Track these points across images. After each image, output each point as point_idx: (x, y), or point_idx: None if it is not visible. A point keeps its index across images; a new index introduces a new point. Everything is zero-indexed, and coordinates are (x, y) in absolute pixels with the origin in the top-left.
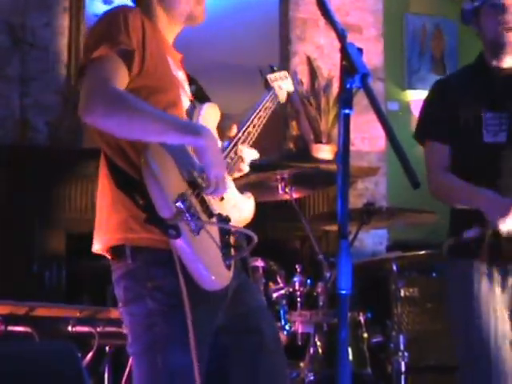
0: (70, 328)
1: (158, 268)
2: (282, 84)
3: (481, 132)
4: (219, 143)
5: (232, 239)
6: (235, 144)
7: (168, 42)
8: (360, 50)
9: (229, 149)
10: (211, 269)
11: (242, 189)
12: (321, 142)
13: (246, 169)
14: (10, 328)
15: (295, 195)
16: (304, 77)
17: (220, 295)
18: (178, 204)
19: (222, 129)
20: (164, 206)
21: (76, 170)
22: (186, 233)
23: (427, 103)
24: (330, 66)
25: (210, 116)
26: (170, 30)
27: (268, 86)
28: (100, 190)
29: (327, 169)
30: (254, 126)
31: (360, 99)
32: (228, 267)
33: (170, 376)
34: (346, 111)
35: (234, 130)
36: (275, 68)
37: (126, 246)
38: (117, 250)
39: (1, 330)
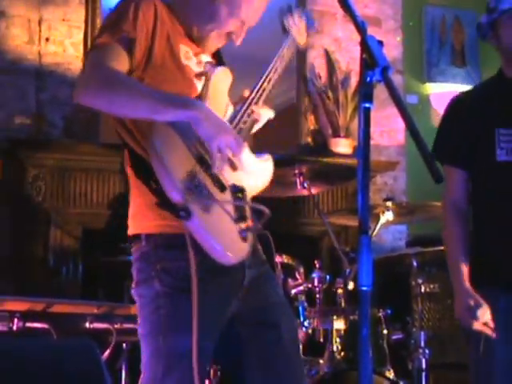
0: (87, 324)
1: (168, 251)
2: (301, 25)
3: (494, 150)
4: (230, 109)
5: (248, 211)
6: (248, 105)
7: (188, 31)
8: (380, 43)
9: (241, 112)
10: (225, 244)
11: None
12: (339, 136)
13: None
14: (28, 324)
15: (314, 190)
16: (322, 70)
17: (235, 283)
18: (187, 184)
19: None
20: (172, 189)
21: (92, 164)
22: (197, 212)
23: (443, 122)
24: (347, 60)
25: (220, 80)
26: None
27: (285, 31)
28: (130, 185)
29: (346, 163)
30: (268, 81)
31: (379, 93)
32: (244, 239)
33: (172, 359)
34: (367, 105)
35: (247, 92)
36: (293, 9)
37: (142, 233)
38: (135, 237)
39: (19, 326)
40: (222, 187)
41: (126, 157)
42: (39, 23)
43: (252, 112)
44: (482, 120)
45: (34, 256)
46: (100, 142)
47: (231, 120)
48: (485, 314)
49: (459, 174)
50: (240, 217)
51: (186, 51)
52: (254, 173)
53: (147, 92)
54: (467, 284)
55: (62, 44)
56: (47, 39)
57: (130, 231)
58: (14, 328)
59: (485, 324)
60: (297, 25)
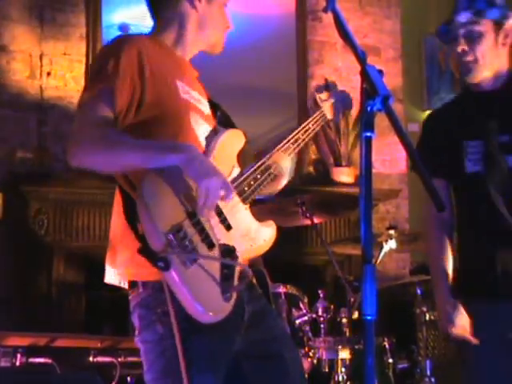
0: (91, 358)
1: (167, 293)
2: (332, 101)
3: (464, 162)
4: (236, 171)
5: (237, 270)
6: (259, 167)
7: (182, 61)
8: (380, 72)
9: (246, 175)
10: (203, 302)
11: (262, 215)
12: (341, 165)
13: (282, 182)
14: (31, 360)
15: (316, 220)
16: None
17: (236, 319)
18: (169, 236)
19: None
20: (154, 238)
21: (95, 197)
22: (177, 265)
23: (420, 138)
24: (348, 89)
25: (230, 142)
26: (193, 46)
27: (316, 105)
28: (112, 220)
29: (348, 193)
30: (284, 150)
31: (379, 121)
32: (227, 299)
33: None
34: (368, 134)
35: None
36: (330, 86)
37: (138, 281)
38: (131, 282)
39: (22, 361)
40: (210, 244)
41: (117, 194)
42: (40, 58)
43: (268, 168)
44: (450, 133)
45: (37, 290)
46: (103, 175)
47: (235, 179)
48: (462, 319)
49: (439, 183)
50: (225, 276)
51: (182, 86)
52: (250, 236)
53: (137, 144)
54: (446, 293)
55: (64, 78)
56: (48, 73)
57: (125, 277)
58: (17, 363)
59: (463, 329)
60: (328, 101)
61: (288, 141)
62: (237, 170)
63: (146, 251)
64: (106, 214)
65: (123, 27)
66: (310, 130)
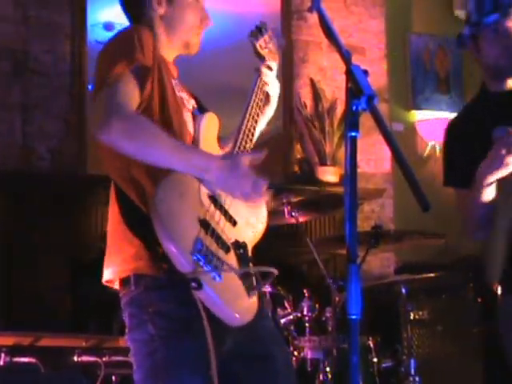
0: (75, 358)
1: (159, 293)
2: (272, 45)
3: None
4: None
5: (252, 266)
6: (239, 148)
7: (167, 62)
8: (365, 72)
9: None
10: (237, 308)
11: None
12: (326, 165)
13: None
14: (16, 359)
15: (301, 219)
16: (307, 99)
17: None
18: (195, 257)
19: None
20: (182, 263)
21: (80, 196)
22: (208, 282)
23: (445, 149)
24: (333, 88)
25: (209, 126)
26: (168, 49)
27: (259, 55)
28: (110, 225)
29: (333, 192)
30: (253, 118)
31: (364, 121)
32: (251, 297)
33: None
34: (353, 134)
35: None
36: (262, 28)
37: (131, 275)
38: (124, 279)
39: (6, 361)
40: (226, 248)
41: (114, 200)
42: (25, 56)
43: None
44: (478, 141)
45: (22, 288)
46: (88, 173)
47: None
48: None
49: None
50: (246, 276)
51: (175, 83)
52: (250, 223)
53: (172, 146)
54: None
55: (48, 76)
56: (33, 71)
57: (121, 274)
58: (1, 363)
59: None
60: (268, 46)
61: (247, 120)
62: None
63: (174, 272)
64: (92, 212)
65: (108, 26)
66: (259, 102)
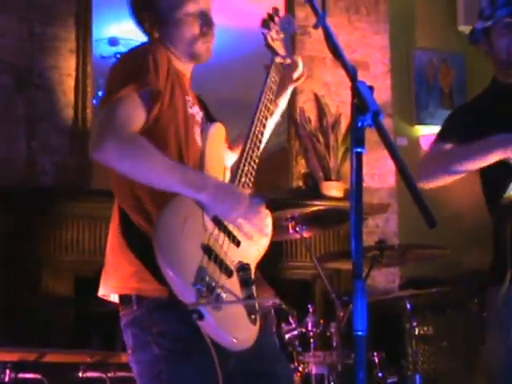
0: (80, 374)
1: (163, 314)
2: (284, 34)
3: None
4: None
5: (254, 290)
6: (247, 154)
7: (184, 76)
8: (371, 88)
9: (242, 164)
10: (239, 335)
11: None
12: (330, 180)
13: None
14: (20, 375)
15: (306, 234)
16: (312, 114)
17: None
18: (197, 287)
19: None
20: (184, 295)
21: (84, 211)
22: (209, 313)
23: (455, 116)
24: (337, 103)
25: (216, 136)
26: (182, 65)
27: (270, 47)
28: (111, 239)
29: (338, 207)
30: (261, 122)
31: (369, 136)
32: (253, 322)
33: None
34: (359, 150)
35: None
36: (274, 16)
37: (133, 295)
38: (124, 298)
39: (11, 377)
40: (229, 273)
41: (116, 218)
42: (30, 71)
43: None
44: (492, 128)
45: (25, 305)
46: (92, 188)
47: (234, 175)
48: None
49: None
50: (248, 297)
51: (188, 100)
52: (256, 240)
53: (168, 166)
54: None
55: (53, 91)
56: (38, 86)
57: (120, 291)
58: (6, 379)
59: None
60: (279, 37)
61: (256, 124)
62: (230, 160)
63: (176, 300)
64: (96, 228)
65: (113, 41)
66: (268, 103)
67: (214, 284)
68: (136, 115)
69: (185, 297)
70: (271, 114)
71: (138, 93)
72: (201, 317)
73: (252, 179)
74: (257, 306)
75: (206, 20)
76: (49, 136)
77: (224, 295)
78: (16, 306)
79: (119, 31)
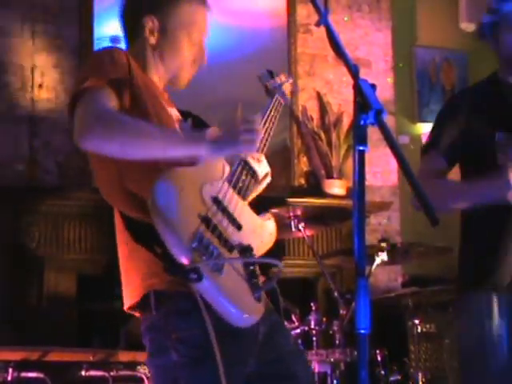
0: (83, 372)
1: (182, 319)
2: (284, 88)
3: (495, 154)
4: (227, 169)
5: (257, 269)
6: (244, 164)
7: (159, 88)
8: (373, 86)
9: (238, 171)
10: (240, 305)
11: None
12: (332, 178)
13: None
14: (23, 374)
15: (308, 232)
16: (314, 112)
17: (250, 340)
18: (195, 245)
19: None
20: (181, 253)
21: (86, 210)
22: (208, 273)
23: (438, 118)
24: (339, 101)
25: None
26: (159, 76)
27: (269, 93)
28: (121, 253)
29: (340, 204)
30: (265, 132)
31: (371, 134)
32: (258, 299)
33: None
34: (361, 148)
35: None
36: (274, 73)
37: (151, 294)
38: (142, 303)
39: (14, 376)
40: (229, 247)
41: (119, 221)
42: (32, 70)
43: (251, 171)
44: (481, 122)
45: (28, 303)
46: (93, 186)
47: (229, 180)
48: None
49: (441, 161)
50: (251, 275)
51: (164, 102)
52: (257, 232)
53: (158, 131)
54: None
55: (55, 90)
56: (40, 86)
57: (136, 297)
58: (9, 378)
59: None
60: (280, 86)
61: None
62: (227, 168)
63: (173, 268)
64: (98, 227)
65: (115, 40)
66: (272, 119)
67: (212, 247)
68: (109, 99)
69: (181, 256)
70: (270, 133)
71: (103, 81)
72: (199, 277)
73: (249, 190)
74: (260, 281)
75: (201, 53)
76: (51, 135)
77: (224, 259)
78: (18, 305)
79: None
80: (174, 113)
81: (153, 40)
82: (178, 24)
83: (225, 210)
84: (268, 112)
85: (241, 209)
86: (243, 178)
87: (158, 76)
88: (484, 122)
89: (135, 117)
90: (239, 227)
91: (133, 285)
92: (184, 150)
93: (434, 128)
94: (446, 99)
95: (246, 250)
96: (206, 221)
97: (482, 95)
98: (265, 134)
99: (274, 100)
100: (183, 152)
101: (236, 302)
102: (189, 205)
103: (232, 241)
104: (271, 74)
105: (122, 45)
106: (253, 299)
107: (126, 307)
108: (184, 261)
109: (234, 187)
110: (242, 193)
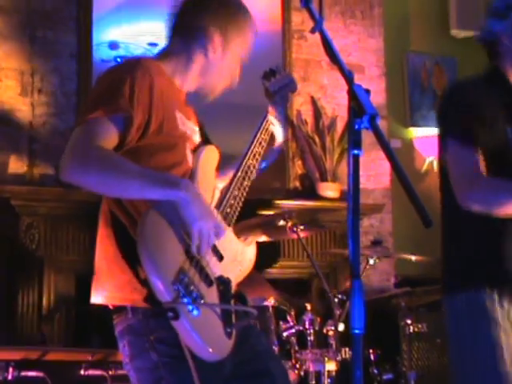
0: (82, 372)
1: (160, 320)
2: (284, 90)
3: (509, 148)
4: (217, 192)
5: (232, 304)
6: (234, 187)
7: (180, 93)
8: (367, 91)
9: (227, 197)
10: (212, 343)
11: (248, 230)
12: (326, 181)
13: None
14: (23, 373)
15: (302, 234)
16: (308, 116)
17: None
18: (176, 287)
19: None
20: (162, 291)
21: (86, 212)
22: (185, 313)
23: (462, 110)
24: (333, 106)
25: (208, 159)
26: (190, 85)
27: (269, 96)
28: (102, 248)
29: (334, 207)
30: (253, 156)
31: (364, 137)
32: (229, 335)
33: None
34: (356, 152)
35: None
36: (277, 71)
37: (128, 306)
38: (118, 307)
39: (14, 375)
40: (209, 282)
41: (105, 221)
42: (31, 75)
43: (239, 193)
44: (500, 116)
45: (27, 304)
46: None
47: (219, 203)
48: None
49: (479, 160)
50: (226, 311)
51: (180, 117)
52: (237, 260)
53: (136, 171)
54: None
55: (55, 95)
56: (39, 90)
57: (114, 301)
58: (9, 377)
59: None
60: (280, 90)
61: (248, 158)
62: (217, 191)
63: (152, 301)
64: (97, 228)
65: (113, 45)
66: (262, 142)
67: (192, 288)
68: (105, 136)
69: (162, 295)
70: (263, 154)
71: (108, 116)
72: (176, 316)
73: (236, 214)
74: (233, 318)
75: (236, 75)
76: (50, 140)
77: (202, 301)
78: (18, 306)
79: (119, 35)
80: (189, 126)
81: (211, 54)
82: (237, 47)
83: None
84: (257, 135)
85: (224, 237)
86: (231, 201)
87: (189, 82)
88: (501, 118)
89: (148, 144)
90: (221, 258)
91: (110, 287)
92: (161, 193)
93: (461, 121)
94: (459, 91)
95: (224, 283)
96: (190, 257)
97: (485, 91)
98: (253, 158)
99: (264, 123)
100: (160, 196)
101: (208, 341)
102: (175, 239)
103: (212, 274)
104: (273, 74)
105: (121, 51)
106: (225, 337)
107: (93, 301)
108: (164, 299)
109: (222, 212)
110: (228, 218)
